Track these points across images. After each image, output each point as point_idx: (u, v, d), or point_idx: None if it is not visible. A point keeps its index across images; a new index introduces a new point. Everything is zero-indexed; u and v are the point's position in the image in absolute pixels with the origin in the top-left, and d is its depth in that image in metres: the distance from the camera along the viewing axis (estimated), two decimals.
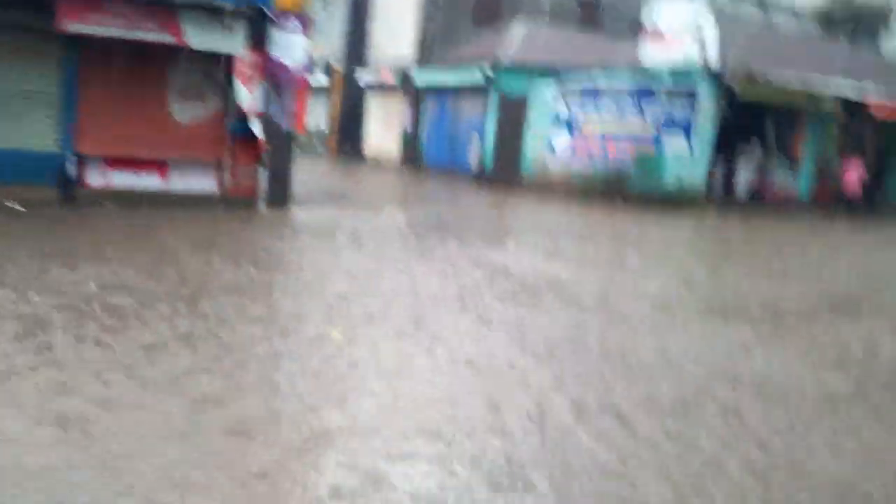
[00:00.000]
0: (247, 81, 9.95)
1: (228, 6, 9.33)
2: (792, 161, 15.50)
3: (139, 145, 9.55)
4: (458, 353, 4.41)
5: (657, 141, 14.19)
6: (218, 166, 10.16)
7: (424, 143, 21.46)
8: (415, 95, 21.46)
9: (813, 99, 15.04)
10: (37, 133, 9.18)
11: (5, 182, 8.64)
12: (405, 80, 21.44)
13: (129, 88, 9.48)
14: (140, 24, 8.91)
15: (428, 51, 21.27)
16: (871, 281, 8.68)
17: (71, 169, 9.30)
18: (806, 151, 15.83)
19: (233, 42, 9.59)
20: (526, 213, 13.52)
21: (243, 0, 9.43)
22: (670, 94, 14.12)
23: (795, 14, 27.67)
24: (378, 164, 22.70)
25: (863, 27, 26.32)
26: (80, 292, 5.08)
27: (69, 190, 9.29)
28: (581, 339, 4.93)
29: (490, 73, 17.92)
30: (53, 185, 9.19)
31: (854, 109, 15.19)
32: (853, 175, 15.52)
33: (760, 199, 15.31)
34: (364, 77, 23.67)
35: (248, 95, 9.96)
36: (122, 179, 9.60)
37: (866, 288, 8.14)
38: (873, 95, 15.50)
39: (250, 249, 7.84)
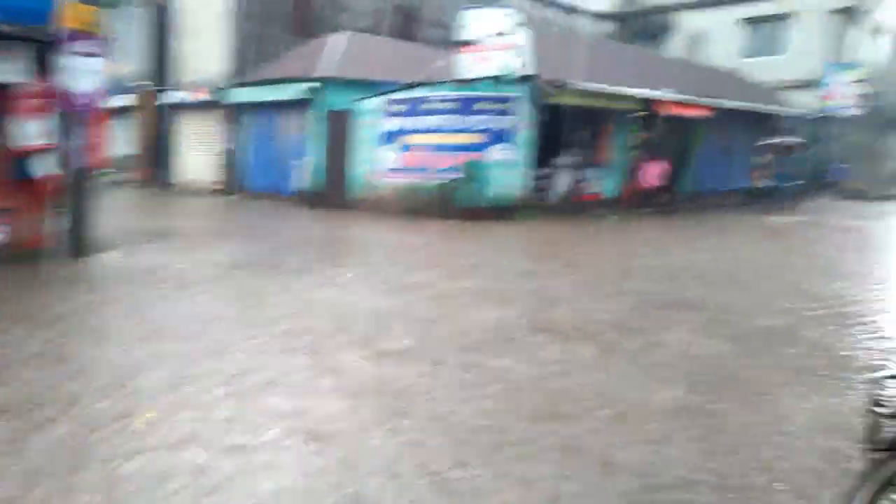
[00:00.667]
0: (31, 114, 8.78)
1: (6, 31, 8.18)
2: (602, 162, 16.60)
3: None
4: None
5: (481, 150, 14.56)
6: (6, 215, 8.87)
7: (245, 166, 20.36)
8: (231, 115, 20.36)
9: (615, 101, 16.19)
10: None
11: None
12: (220, 99, 20.28)
13: None
14: None
15: (243, 66, 20.29)
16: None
17: None
18: (613, 152, 17.02)
19: (14, 70, 8.43)
20: (353, 238, 13.05)
21: (20, 21, 8.31)
22: (490, 103, 14.56)
23: (594, 18, 29.86)
24: (196, 192, 21.06)
25: (651, 30, 28.97)
26: None
27: None
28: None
29: (310, 88, 17.43)
30: None
31: (651, 109, 16.55)
32: (651, 171, 16.94)
33: (576, 201, 16.20)
34: (173, 96, 22.09)
35: (34, 130, 8.79)
36: None
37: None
38: (667, 95, 17.00)
39: (30, 314, 6.82)
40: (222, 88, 20.17)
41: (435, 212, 14.29)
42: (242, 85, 19.72)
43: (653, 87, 16.87)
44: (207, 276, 8.45)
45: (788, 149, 19.11)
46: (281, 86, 18.25)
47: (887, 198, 23.27)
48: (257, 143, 20.00)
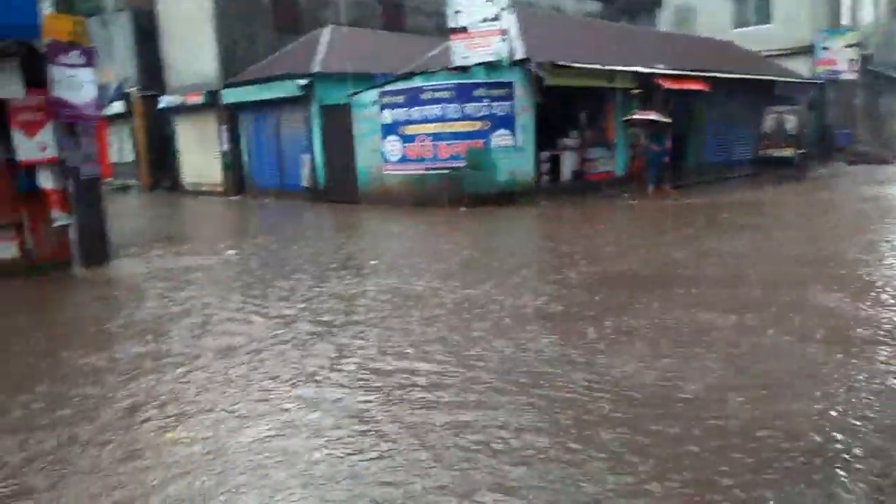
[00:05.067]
0: (29, 127, 8.66)
1: None
2: (606, 142, 16.43)
3: None
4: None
5: (483, 137, 14.43)
6: (14, 228, 8.81)
7: (248, 165, 20.29)
8: (228, 115, 20.21)
9: (612, 79, 16.03)
10: None
11: None
12: (214, 100, 20.11)
13: None
14: None
15: (233, 66, 20.10)
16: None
17: None
18: (616, 129, 16.86)
19: (6, 85, 8.30)
20: (369, 232, 13.08)
21: (14, 37, 8.17)
22: (487, 89, 14.41)
23: None
24: (201, 194, 21.08)
25: (639, 7, 28.71)
26: None
27: None
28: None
29: (305, 84, 17.28)
30: None
31: (649, 84, 16.39)
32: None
33: (583, 181, 16.08)
34: (167, 100, 21.91)
35: (32, 143, 8.68)
36: None
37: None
38: (662, 69, 16.83)
39: (51, 325, 6.78)
40: (215, 90, 20.00)
41: (443, 200, 14.19)
42: (235, 85, 19.55)
43: (648, 64, 16.71)
44: (230, 283, 8.42)
45: (790, 116, 18.93)
46: (274, 84, 18.10)
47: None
48: (258, 142, 19.87)
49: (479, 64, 14.35)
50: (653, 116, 15.34)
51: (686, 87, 17.23)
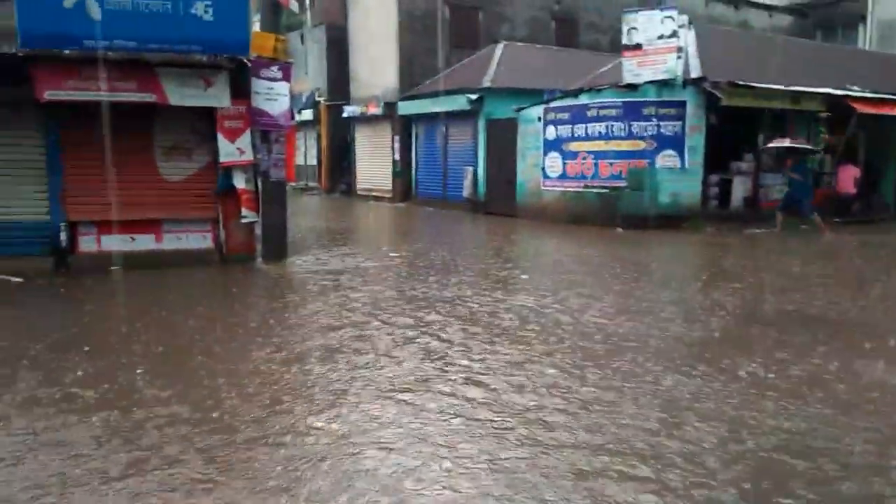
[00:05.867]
0: (231, 133, 9.86)
1: (205, 60, 9.26)
2: (783, 166, 15.44)
3: (130, 207, 9.42)
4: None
5: (648, 157, 14.13)
6: (211, 223, 10.06)
7: (416, 174, 21.44)
8: (402, 126, 21.45)
9: (797, 100, 15.00)
10: (26, 203, 9.12)
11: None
12: (391, 112, 21.43)
13: (115, 151, 9.33)
14: (119, 86, 8.83)
15: (411, 80, 21.27)
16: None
17: (62, 237, 9.20)
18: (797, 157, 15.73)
19: (214, 95, 9.51)
20: (529, 244, 13.36)
21: (219, 52, 9.35)
22: (657, 107, 14.10)
23: (768, 10, 27.83)
24: (371, 199, 22.60)
25: (838, 21, 26.48)
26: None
27: (62, 258, 9.19)
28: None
29: (475, 98, 17.92)
30: (47, 255, 9.08)
31: (839, 108, 15.15)
32: (845, 177, 15.47)
33: (755, 208, 15.17)
34: (350, 110, 23.66)
35: (232, 147, 9.87)
36: (115, 243, 9.48)
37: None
38: (856, 92, 15.49)
39: (243, 309, 7.68)
40: (393, 102, 21.28)
41: (599, 220, 14.09)
42: (411, 98, 20.69)
43: (841, 85, 15.44)
44: (390, 276, 9.12)
45: None
46: (446, 97, 18.92)
47: None
48: (426, 153, 20.95)
49: (651, 82, 14.09)
50: (788, 143, 14.04)
51: (884, 111, 15.70)
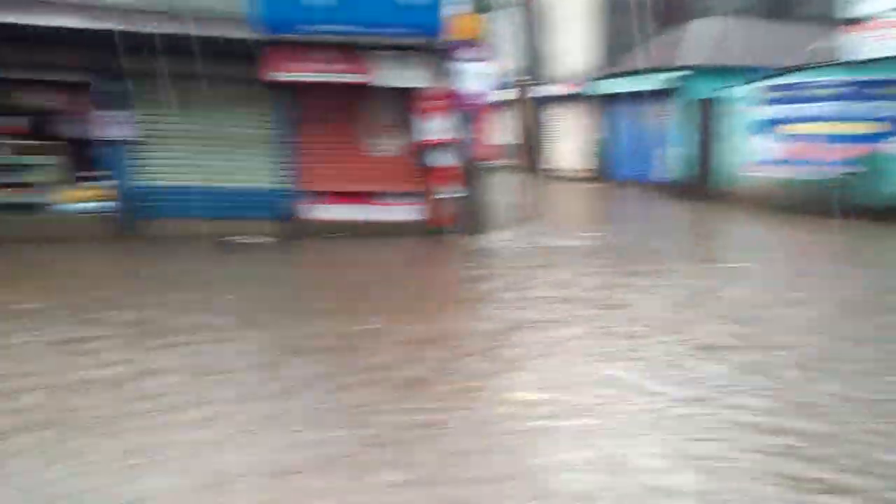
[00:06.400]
0: (431, 113, 10.40)
1: (412, 43, 9.84)
2: None
3: (347, 179, 10.47)
4: None
5: (880, 141, 12.59)
6: (417, 196, 10.71)
7: (610, 154, 20.99)
8: (597, 106, 21.06)
9: None
10: (260, 173, 10.32)
11: (238, 217, 9.96)
12: (586, 91, 21.12)
13: (332, 127, 10.34)
14: (333, 67, 9.68)
15: (609, 58, 20.76)
16: None
17: (293, 204, 10.33)
18: None
19: (416, 76, 10.09)
20: (724, 231, 12.64)
21: (421, 35, 9.85)
22: (890, 87, 12.50)
23: None
24: (565, 178, 22.50)
25: None
26: None
27: (291, 223, 10.32)
28: None
29: (677, 77, 17.10)
30: (276, 219, 10.24)
31: None
32: None
33: None
34: (545, 90, 23.67)
35: (435, 126, 10.41)
36: (334, 212, 10.49)
37: None
38: None
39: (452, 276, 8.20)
40: (589, 81, 20.94)
41: (817, 209, 12.61)
42: (608, 77, 20.22)
43: None
44: (599, 260, 9.17)
45: None
46: (645, 76, 18.25)
47: None
48: (623, 133, 20.43)
49: (883, 58, 12.52)
50: None
51: None
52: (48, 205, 9.73)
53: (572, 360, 5.01)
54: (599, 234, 11.47)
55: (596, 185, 20.44)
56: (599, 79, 20.61)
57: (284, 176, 10.35)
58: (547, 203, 17.59)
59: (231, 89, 10.02)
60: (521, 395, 4.30)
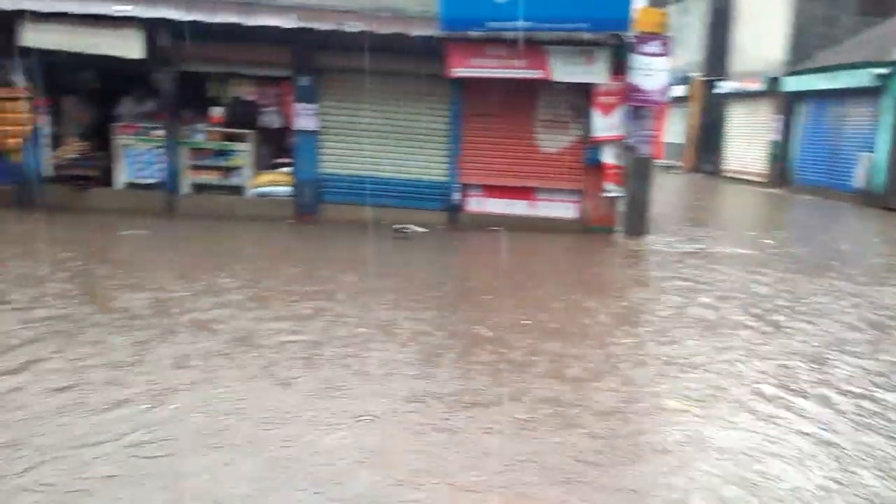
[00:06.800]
0: (605, 109, 10.13)
1: (590, 38, 9.63)
2: None
3: (510, 174, 10.53)
4: None
5: None
6: (577, 194, 10.54)
7: (796, 158, 19.29)
8: (785, 104, 19.44)
9: None
10: (429, 165, 10.64)
11: (406, 206, 10.35)
12: (773, 88, 19.57)
13: (501, 122, 10.41)
14: (512, 63, 9.71)
15: (802, 52, 19.06)
16: None
17: (456, 196, 10.56)
18: None
19: (594, 71, 9.87)
20: None
21: (603, 29, 9.61)
22: None
23: None
24: (740, 181, 21.03)
25: None
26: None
27: (454, 215, 10.56)
28: None
29: (884, 73, 15.35)
30: (441, 210, 10.53)
31: None
32: None
33: None
34: (725, 86, 22.26)
35: (605, 123, 10.13)
36: (495, 206, 10.60)
37: None
38: None
39: (609, 281, 7.97)
40: (776, 77, 19.39)
41: None
42: (800, 72, 18.58)
43: None
44: (757, 265, 8.59)
45: None
46: (843, 72, 16.57)
47: None
48: (812, 135, 18.71)
49: None
50: None
51: None
52: (243, 187, 10.64)
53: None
54: (774, 242, 10.59)
55: (776, 190, 18.91)
56: (790, 74, 18.99)
57: (451, 168, 10.56)
58: (717, 206, 16.60)
59: (410, 84, 10.40)
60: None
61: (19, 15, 9.24)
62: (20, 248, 7.83)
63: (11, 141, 9.95)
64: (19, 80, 9.86)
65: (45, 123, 10.23)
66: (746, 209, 16.25)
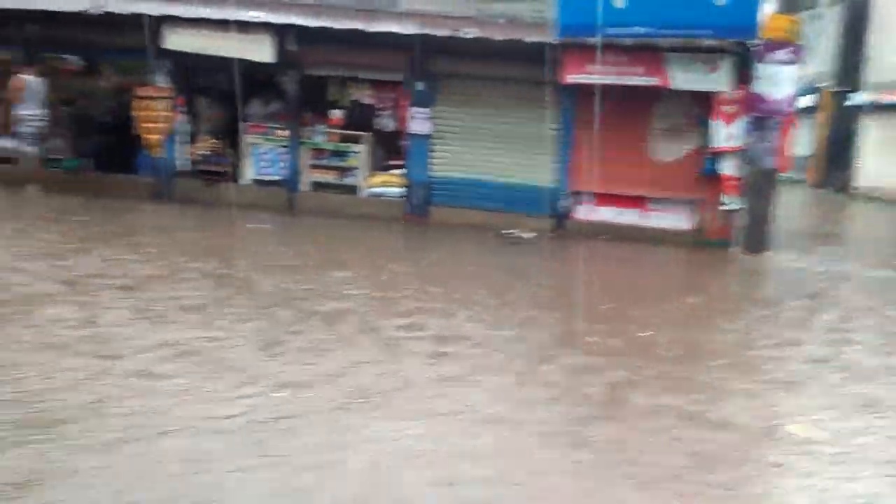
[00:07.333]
0: (726, 118, 9.74)
1: (713, 44, 9.29)
2: None
3: (622, 183, 10.28)
4: None
5: None
6: (693, 205, 10.20)
7: None
8: None
9: None
10: (538, 171, 10.61)
11: (514, 211, 10.41)
12: None
13: (614, 130, 10.16)
14: (628, 70, 9.52)
15: None
16: None
17: (564, 203, 10.48)
18: None
19: (715, 80, 9.52)
20: None
21: (727, 36, 9.25)
22: None
23: None
24: (875, 200, 19.43)
25: None
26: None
27: (562, 222, 10.48)
28: None
29: None
30: (549, 216, 10.48)
31: None
32: None
33: None
34: (858, 98, 20.81)
35: (726, 133, 9.74)
36: (606, 214, 10.45)
37: None
38: None
39: (722, 301, 7.62)
40: None
41: None
42: None
43: None
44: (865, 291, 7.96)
45: None
46: None
47: None
48: None
49: None
50: None
51: None
52: (357, 187, 11.02)
53: None
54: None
55: None
56: None
57: (560, 175, 10.48)
58: (847, 226, 15.53)
59: (522, 90, 10.41)
60: None
61: (163, 20, 10.03)
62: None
63: (154, 137, 10.79)
64: (162, 80, 10.69)
65: (182, 121, 11.03)
66: (881, 229, 15.02)
